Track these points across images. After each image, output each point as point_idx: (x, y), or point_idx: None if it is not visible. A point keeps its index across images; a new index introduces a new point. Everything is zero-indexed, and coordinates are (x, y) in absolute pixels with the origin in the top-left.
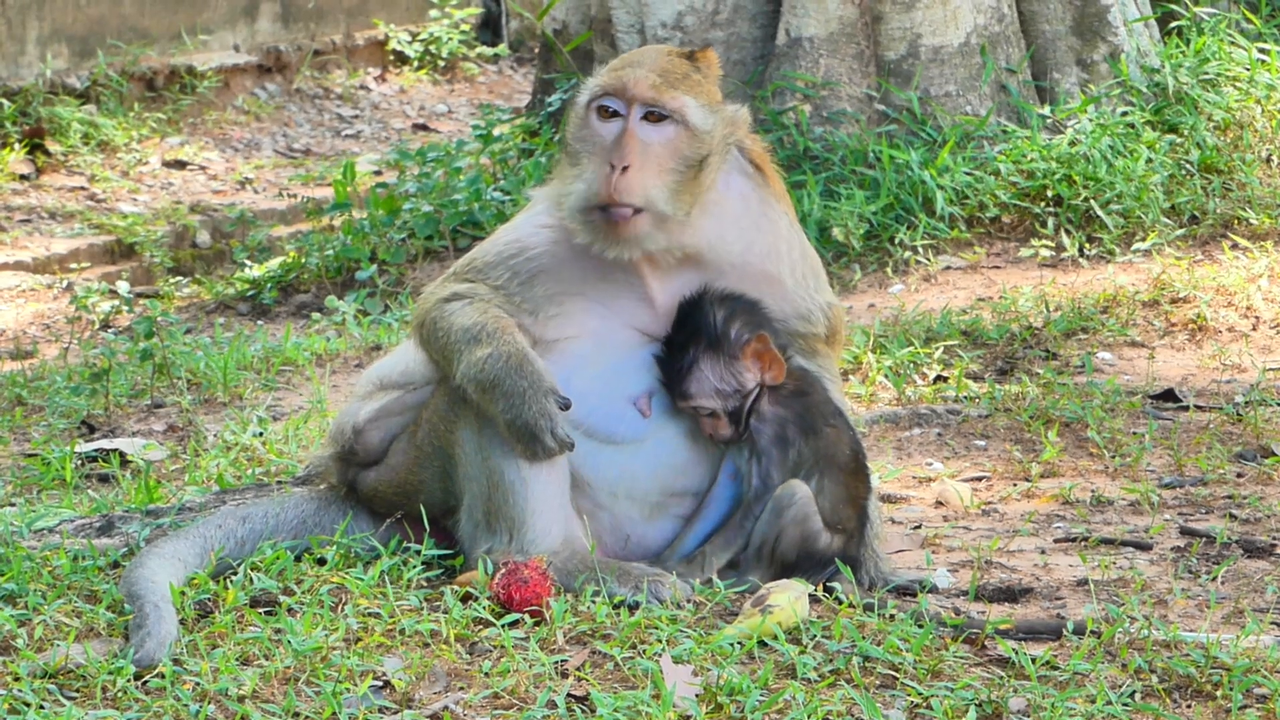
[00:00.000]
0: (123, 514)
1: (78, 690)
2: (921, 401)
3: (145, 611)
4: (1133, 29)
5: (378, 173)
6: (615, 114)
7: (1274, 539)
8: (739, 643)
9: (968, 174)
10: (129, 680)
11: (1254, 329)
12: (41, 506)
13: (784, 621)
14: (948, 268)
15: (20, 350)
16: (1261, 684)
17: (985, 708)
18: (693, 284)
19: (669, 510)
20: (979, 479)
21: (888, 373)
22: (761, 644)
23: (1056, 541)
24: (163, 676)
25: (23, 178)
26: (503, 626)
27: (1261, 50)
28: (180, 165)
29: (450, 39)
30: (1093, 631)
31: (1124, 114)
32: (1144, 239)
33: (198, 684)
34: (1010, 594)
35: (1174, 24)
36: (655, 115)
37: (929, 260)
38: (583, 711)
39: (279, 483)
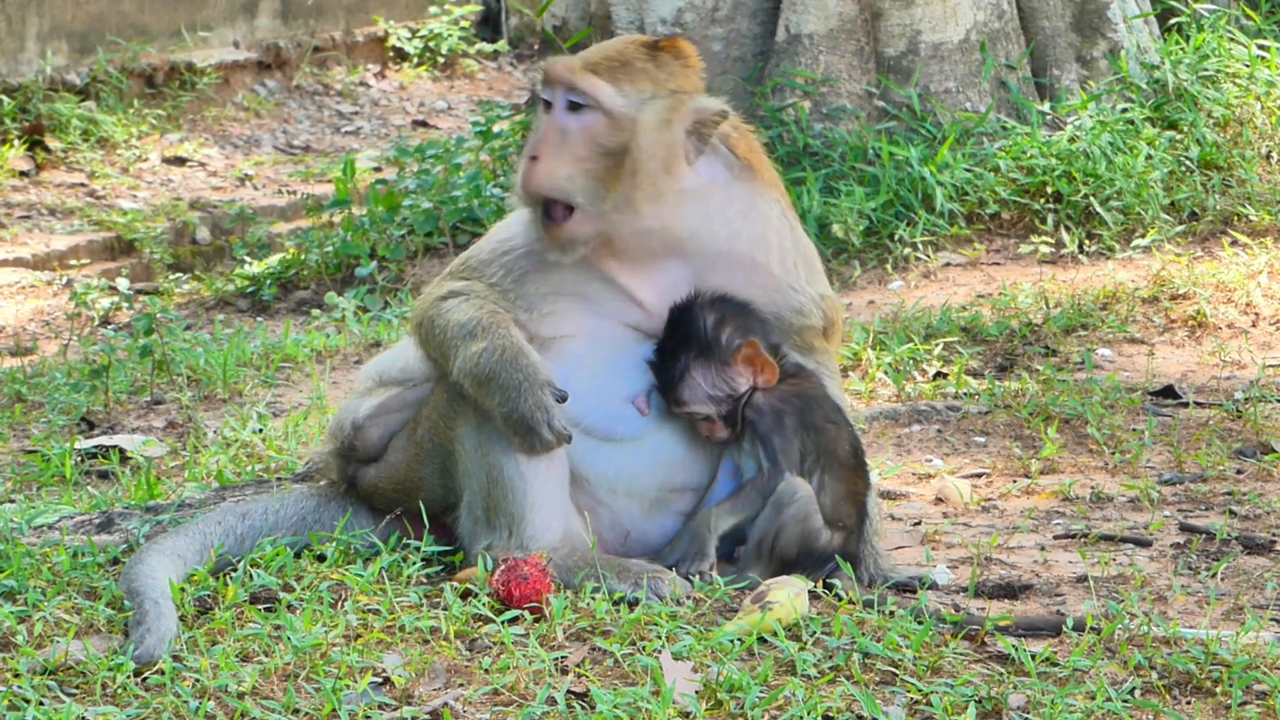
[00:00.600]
0: (122, 510)
1: (77, 687)
2: (921, 398)
3: (145, 608)
4: (1132, 25)
5: (377, 169)
6: (549, 104)
7: (1274, 535)
8: (739, 639)
9: (967, 170)
10: (129, 677)
11: (1254, 325)
12: (41, 503)
13: (784, 618)
14: (947, 264)
15: (20, 347)
16: (1261, 680)
17: (985, 704)
18: (678, 274)
19: (669, 506)
20: (979, 475)
21: (887, 369)
22: (761, 640)
23: (1056, 538)
24: (162, 673)
25: (22, 174)
26: (502, 623)
27: (1261, 47)
28: (180, 162)
29: (450, 35)
30: (1092, 628)
31: (1124, 110)
32: (1144, 235)
33: (197, 680)
34: (1010, 590)
35: (1174, 20)
36: (575, 103)
37: (929, 257)
38: (583, 708)
39: (279, 479)
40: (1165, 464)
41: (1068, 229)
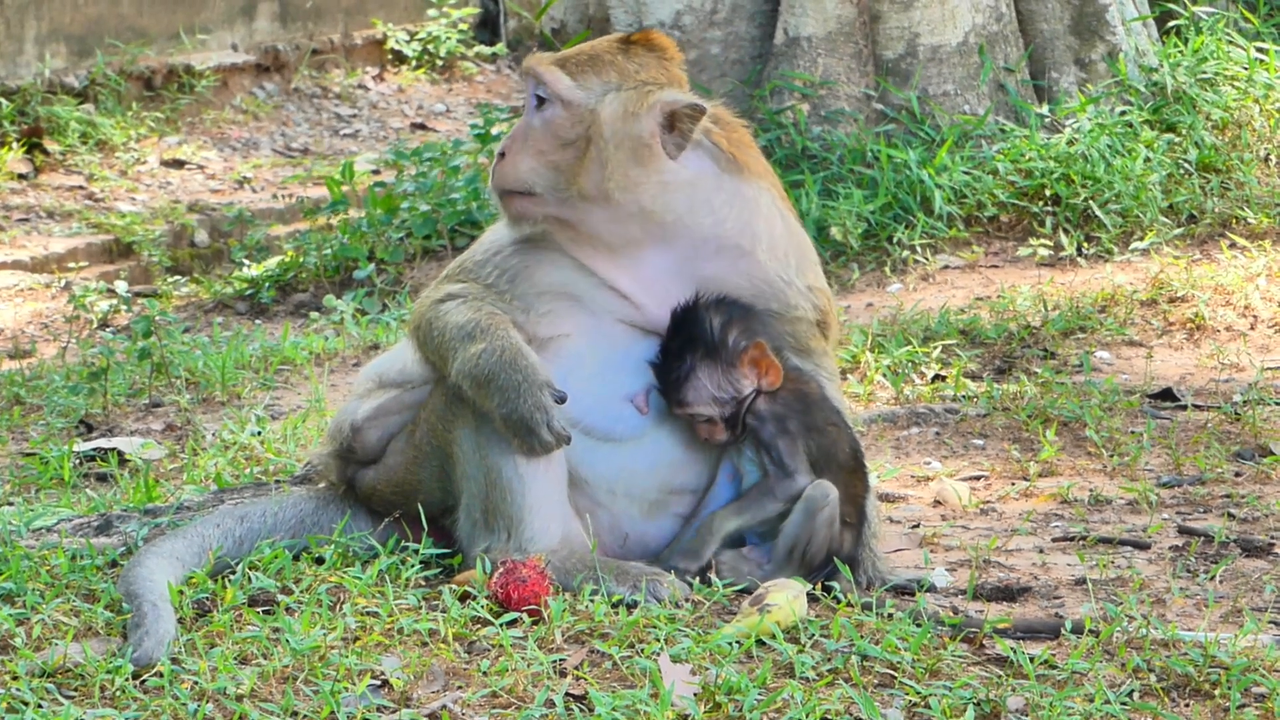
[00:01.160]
0: (121, 513)
1: (76, 689)
2: (920, 401)
3: (143, 610)
4: (1131, 28)
5: (376, 172)
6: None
7: (1272, 538)
8: (737, 642)
9: (966, 173)
10: (127, 679)
11: (1252, 328)
12: (40, 505)
13: (782, 620)
14: (946, 267)
15: (18, 349)
16: (1260, 683)
17: (983, 707)
18: (661, 264)
19: (668, 508)
20: (977, 478)
21: (886, 372)
22: (760, 643)
23: (1055, 540)
24: (161, 675)
25: (21, 177)
26: (501, 625)
27: (1259, 49)
28: (178, 164)
29: (448, 38)
30: (1091, 630)
31: (1122, 113)
32: (1142, 238)
33: (196, 683)
34: (1008, 593)
35: (1172, 23)
36: (541, 98)
37: (927, 259)
38: (581, 710)
39: (277, 482)
40: (1164, 466)
41: (1066, 232)
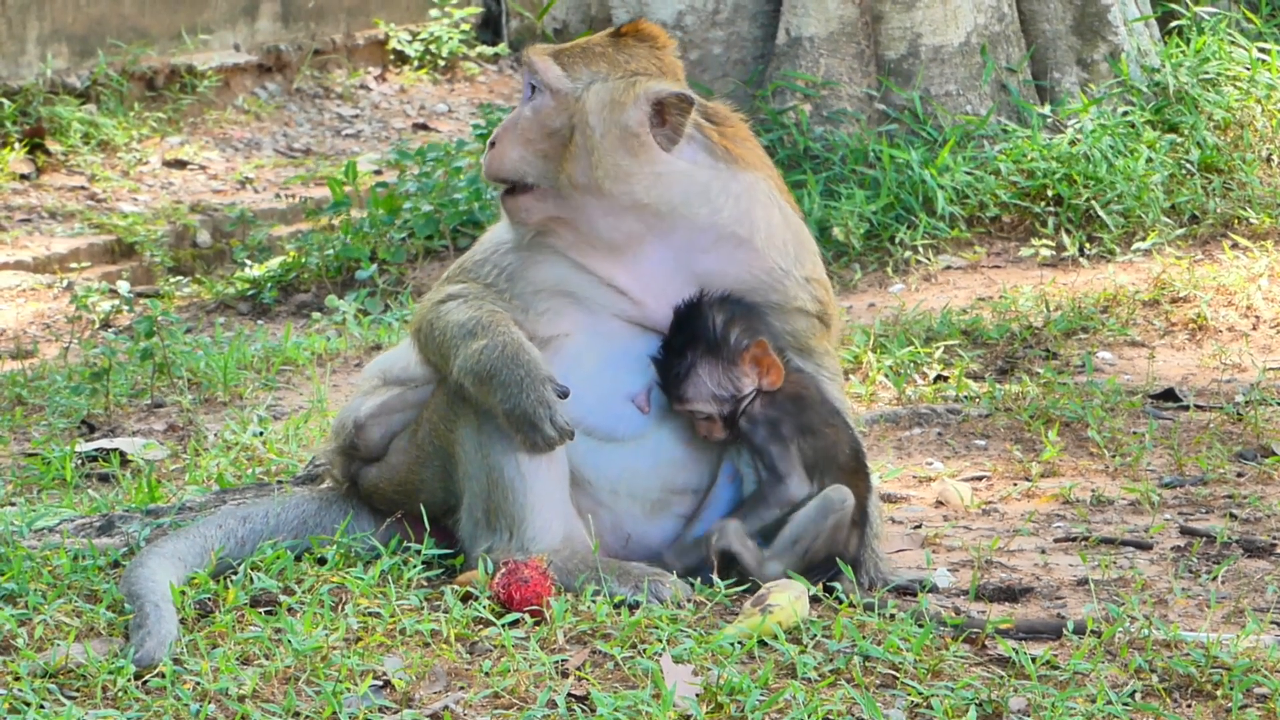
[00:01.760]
0: (123, 513)
1: (78, 690)
2: (922, 401)
3: (145, 611)
4: (1133, 28)
5: (378, 172)
6: None
7: (1274, 538)
8: (739, 642)
9: (968, 173)
10: (129, 680)
11: (1254, 328)
12: (42, 506)
13: (784, 621)
14: (948, 267)
15: (20, 350)
16: (1262, 683)
17: (985, 707)
18: (658, 258)
19: (670, 508)
20: (979, 478)
21: (888, 372)
22: (762, 643)
23: (1057, 541)
24: (163, 676)
25: (23, 177)
26: (503, 626)
27: (1262, 50)
28: (180, 165)
29: (450, 38)
30: (1093, 631)
31: (1124, 113)
32: (1144, 238)
33: (198, 683)
34: (1010, 593)
35: (1174, 23)
36: (534, 86)
37: (929, 260)
38: (583, 711)
39: (279, 482)
40: (1166, 467)
41: (1068, 232)
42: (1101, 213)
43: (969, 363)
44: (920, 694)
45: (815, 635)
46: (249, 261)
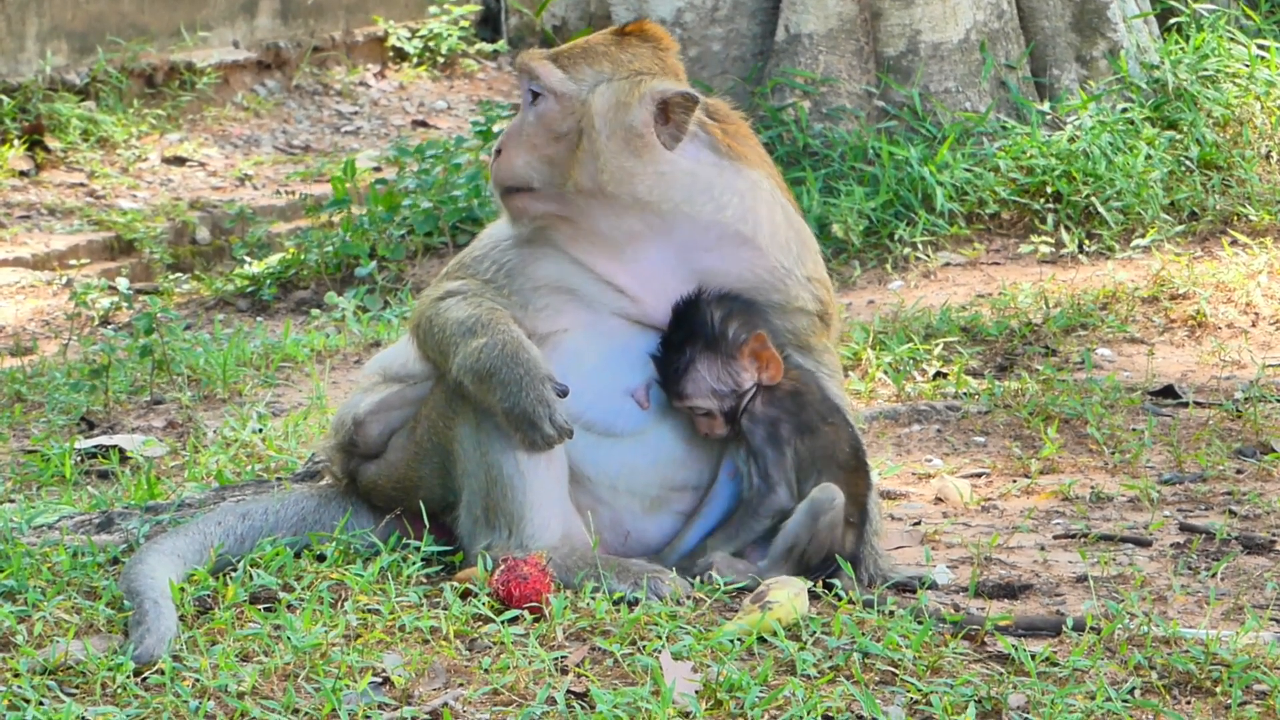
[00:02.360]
0: (122, 510)
1: (77, 686)
2: (921, 398)
3: (145, 608)
4: (1132, 25)
5: (377, 169)
6: None
7: (1273, 535)
8: (738, 639)
9: (967, 170)
10: (128, 676)
11: (1253, 325)
12: (41, 503)
13: (783, 618)
14: (947, 264)
15: (20, 346)
16: (1261, 680)
17: (985, 704)
18: (660, 257)
19: (669, 505)
20: (978, 475)
21: (887, 369)
22: (761, 640)
23: (1056, 538)
24: (162, 673)
25: (22, 174)
26: (502, 623)
27: (1261, 46)
28: (180, 162)
29: (450, 35)
30: (1092, 628)
31: (1123, 110)
32: (1143, 235)
33: (197, 680)
34: (1010, 590)
35: (1173, 20)
36: (535, 92)
37: (928, 257)
38: (582, 708)
39: (278, 479)
40: (1165, 464)
41: (1067, 229)
42: (1101, 209)
43: (968, 359)
44: (920, 691)
45: (815, 632)
46: (248, 258)
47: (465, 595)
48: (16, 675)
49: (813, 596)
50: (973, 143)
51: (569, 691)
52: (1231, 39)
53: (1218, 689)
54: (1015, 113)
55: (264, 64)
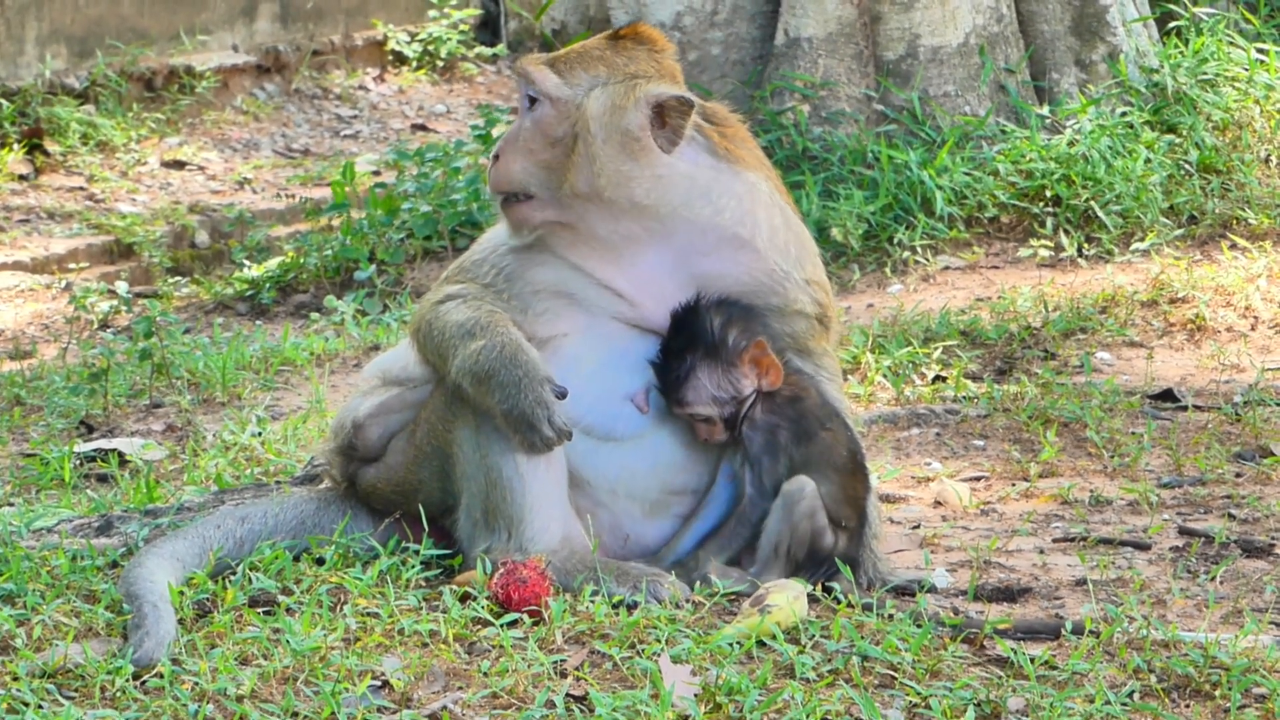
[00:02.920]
0: (121, 514)
1: (76, 690)
2: (920, 401)
3: (144, 611)
4: (1131, 29)
5: (376, 173)
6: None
7: (1272, 539)
8: (738, 642)
9: (966, 174)
10: (127, 680)
11: (1252, 329)
12: (40, 506)
13: (783, 621)
14: (946, 268)
15: (19, 350)
16: (1260, 684)
17: (984, 707)
18: (657, 261)
19: (668, 509)
20: (977, 479)
21: (886, 373)
22: (760, 644)
23: (1055, 541)
24: (161, 676)
25: (21, 178)
26: (501, 626)
27: (1260, 50)
28: (179, 165)
29: (449, 39)
30: (1091, 631)
31: (1123, 114)
32: (1143, 239)
33: (196, 684)
34: (1009, 594)
35: (1173, 24)
36: (532, 98)
37: (928, 260)
38: (581, 711)
39: (278, 483)
40: (1164, 467)
41: (1067, 232)
42: (1100, 213)
43: (967, 363)
44: (919, 694)
45: (814, 635)
46: (247, 262)
47: (464, 598)
48: (15, 678)
49: (812, 600)
50: (972, 146)
51: (568, 695)
52: (1231, 43)
53: (1217, 692)
54: (1014, 116)
55: (263, 68)
